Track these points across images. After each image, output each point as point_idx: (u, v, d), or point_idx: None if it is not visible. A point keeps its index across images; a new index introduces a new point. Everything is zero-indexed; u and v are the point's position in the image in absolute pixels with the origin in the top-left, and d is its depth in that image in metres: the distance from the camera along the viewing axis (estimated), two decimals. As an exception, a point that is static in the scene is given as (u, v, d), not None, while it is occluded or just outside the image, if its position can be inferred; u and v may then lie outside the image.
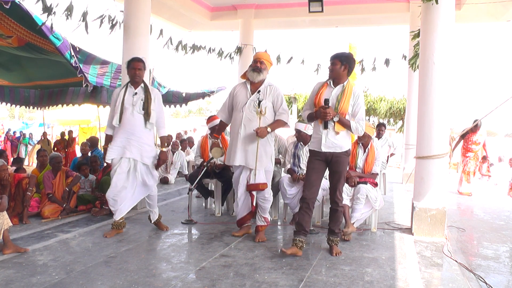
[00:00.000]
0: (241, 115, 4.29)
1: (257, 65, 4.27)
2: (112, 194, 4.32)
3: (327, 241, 4.05)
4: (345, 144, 3.87)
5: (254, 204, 4.39)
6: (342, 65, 3.80)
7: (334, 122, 3.77)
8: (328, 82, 3.90)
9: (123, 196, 4.36)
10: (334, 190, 3.94)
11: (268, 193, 4.37)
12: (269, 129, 4.18)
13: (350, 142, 3.99)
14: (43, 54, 6.74)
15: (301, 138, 5.11)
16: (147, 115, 4.32)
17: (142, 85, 4.42)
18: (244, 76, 4.44)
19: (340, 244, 4.24)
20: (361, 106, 3.83)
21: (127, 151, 4.30)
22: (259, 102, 4.22)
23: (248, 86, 4.34)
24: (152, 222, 4.66)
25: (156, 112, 4.40)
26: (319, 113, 3.76)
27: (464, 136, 8.37)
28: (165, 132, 4.55)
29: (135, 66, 4.35)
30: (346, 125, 3.81)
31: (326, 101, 3.75)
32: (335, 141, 3.81)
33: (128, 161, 4.33)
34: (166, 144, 4.49)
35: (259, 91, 4.27)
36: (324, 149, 3.83)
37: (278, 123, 4.29)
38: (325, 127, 3.80)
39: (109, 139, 4.47)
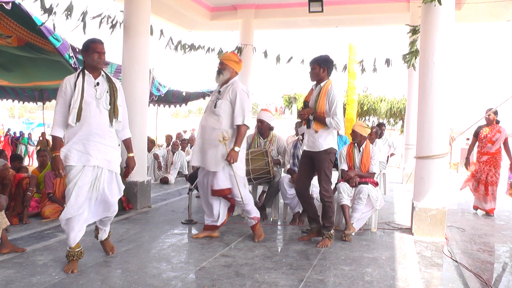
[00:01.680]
0: (204, 116, 4.42)
1: (218, 67, 4.37)
2: (71, 212, 3.36)
3: (321, 235, 4.30)
4: (324, 144, 4.12)
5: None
6: (320, 68, 4.14)
7: (312, 120, 4.12)
8: (312, 86, 4.30)
9: (82, 215, 3.46)
10: (322, 188, 4.23)
11: (239, 196, 4.21)
12: (236, 148, 4.06)
13: (331, 142, 4.16)
14: (42, 53, 6.74)
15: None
16: (113, 112, 3.44)
17: (103, 73, 3.51)
18: None
19: (340, 244, 4.25)
20: (336, 103, 4.05)
21: (91, 157, 3.33)
22: (216, 102, 4.22)
23: (217, 88, 4.41)
24: (99, 240, 3.85)
25: (122, 108, 3.54)
26: (298, 113, 4.28)
27: (477, 134, 6.34)
28: (130, 133, 3.73)
29: (98, 49, 3.40)
30: (322, 121, 4.08)
31: (305, 103, 4.19)
32: (314, 140, 4.14)
33: (93, 169, 3.36)
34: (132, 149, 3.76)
35: (219, 92, 4.29)
36: (306, 148, 4.22)
37: (239, 136, 4.10)
38: (308, 126, 4.17)
39: (59, 142, 3.43)
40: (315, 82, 4.24)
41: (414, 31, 5.89)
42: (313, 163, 4.20)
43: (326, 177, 4.18)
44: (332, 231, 4.25)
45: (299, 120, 5.45)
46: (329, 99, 4.06)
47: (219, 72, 4.31)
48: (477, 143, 6.41)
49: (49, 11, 5.01)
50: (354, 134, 4.87)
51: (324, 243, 4.16)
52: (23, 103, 11.06)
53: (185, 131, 17.53)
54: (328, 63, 4.16)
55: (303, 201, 4.39)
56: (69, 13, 5.10)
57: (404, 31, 6.83)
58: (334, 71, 10.26)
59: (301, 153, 4.39)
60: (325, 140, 4.11)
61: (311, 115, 4.11)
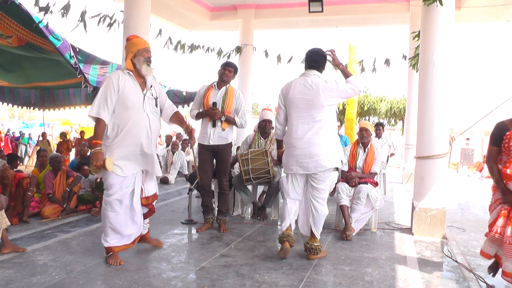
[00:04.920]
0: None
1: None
2: None
3: (216, 220, 4.71)
4: (229, 137, 4.63)
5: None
6: (235, 73, 4.61)
7: (221, 120, 4.48)
8: (213, 85, 4.57)
9: None
10: (221, 177, 4.65)
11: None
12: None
13: (232, 137, 4.71)
14: (43, 53, 6.74)
15: None
16: None
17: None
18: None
19: (340, 244, 4.26)
20: (242, 104, 4.61)
21: None
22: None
23: None
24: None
25: None
26: (209, 113, 4.44)
27: (496, 138, 3.17)
28: None
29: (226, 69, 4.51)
30: (232, 122, 4.57)
31: (214, 103, 4.44)
32: (221, 135, 4.54)
33: None
34: None
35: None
36: (211, 142, 4.51)
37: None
38: (214, 125, 4.48)
39: None
40: (215, 83, 4.56)
41: (418, 35, 5.88)
42: (214, 157, 4.61)
43: (227, 168, 4.71)
44: (225, 217, 4.69)
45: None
46: (238, 101, 4.57)
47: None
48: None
49: (45, 9, 5.01)
50: (366, 132, 4.86)
51: (224, 228, 4.62)
52: (20, 107, 11.03)
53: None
54: (237, 69, 4.72)
55: (206, 194, 4.67)
56: (65, 11, 5.10)
57: (404, 31, 6.84)
58: (334, 71, 10.35)
59: (199, 147, 4.66)
60: (229, 135, 4.64)
61: (223, 116, 4.47)
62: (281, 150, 4.01)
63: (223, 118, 4.49)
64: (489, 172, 3.30)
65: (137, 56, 3.46)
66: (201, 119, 4.60)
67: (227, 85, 4.57)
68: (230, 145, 4.66)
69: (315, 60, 3.73)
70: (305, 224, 3.86)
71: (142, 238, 3.84)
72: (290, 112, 3.72)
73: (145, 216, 3.79)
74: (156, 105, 3.63)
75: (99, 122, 3.38)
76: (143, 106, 3.47)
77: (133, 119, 3.41)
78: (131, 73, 3.48)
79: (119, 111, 3.40)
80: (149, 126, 3.48)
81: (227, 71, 4.54)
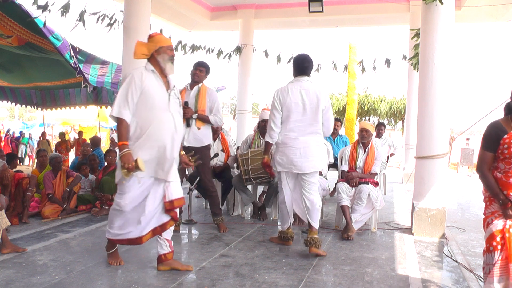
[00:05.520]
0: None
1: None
2: None
3: (213, 221, 4.71)
4: (205, 139, 4.51)
5: None
6: (206, 72, 4.56)
7: (194, 119, 4.39)
8: (186, 87, 4.55)
9: None
10: (204, 179, 4.59)
11: None
12: None
13: (210, 138, 4.62)
14: (43, 53, 6.75)
15: None
16: None
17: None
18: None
19: (340, 244, 4.26)
20: (216, 102, 4.53)
21: None
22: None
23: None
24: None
25: None
26: None
27: (490, 142, 2.63)
28: None
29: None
30: (205, 120, 4.47)
31: (186, 102, 4.37)
32: (196, 136, 4.42)
33: None
34: None
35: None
36: (186, 144, 4.31)
37: None
38: (188, 125, 4.35)
39: None
40: (188, 84, 4.55)
41: (418, 34, 5.89)
42: None
43: (208, 170, 4.64)
44: (221, 217, 4.66)
45: None
46: (211, 98, 4.50)
47: None
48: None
49: (43, 8, 5.01)
50: (366, 132, 4.87)
51: (223, 227, 4.63)
52: (21, 106, 11.06)
53: None
54: (210, 68, 4.64)
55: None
56: (64, 10, 5.10)
57: (404, 31, 6.84)
58: (334, 71, 10.38)
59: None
60: (206, 136, 4.52)
61: (195, 114, 4.40)
62: (268, 156, 4.04)
63: (194, 116, 4.41)
64: (482, 181, 2.68)
65: (161, 54, 3.27)
66: None
67: (200, 85, 4.55)
68: (207, 147, 4.58)
69: (306, 66, 3.93)
70: (304, 214, 3.98)
71: (163, 259, 3.36)
72: (289, 116, 3.84)
73: (163, 227, 3.31)
74: (180, 106, 3.45)
75: (121, 122, 3.14)
76: (168, 106, 3.24)
77: (157, 119, 3.17)
78: (155, 70, 3.28)
79: (142, 111, 3.17)
80: (174, 128, 3.25)
81: (198, 71, 4.52)
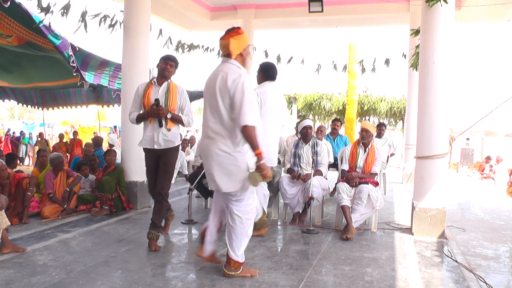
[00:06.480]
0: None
1: None
2: None
3: (147, 235, 3.97)
4: (176, 140, 4.15)
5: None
6: (176, 67, 4.14)
7: (167, 119, 4.00)
8: (152, 82, 4.11)
9: None
10: (162, 182, 4.02)
11: None
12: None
13: (179, 139, 4.26)
14: (42, 52, 6.75)
15: (308, 134, 5.16)
16: None
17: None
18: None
19: (340, 244, 4.26)
20: (187, 101, 4.20)
21: None
22: None
23: None
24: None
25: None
26: (152, 112, 3.96)
27: None
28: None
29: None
30: (178, 120, 4.11)
31: (157, 100, 3.96)
32: (167, 137, 4.04)
33: None
34: None
35: None
36: (156, 147, 4.04)
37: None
38: (160, 125, 3.99)
39: None
40: (155, 79, 4.11)
41: (417, 32, 5.89)
42: (159, 161, 4.09)
43: (171, 174, 4.16)
44: (159, 233, 3.98)
45: (299, 120, 5.47)
46: (182, 98, 4.15)
47: None
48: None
49: (46, 9, 5.02)
50: (366, 133, 4.87)
51: (156, 246, 3.92)
52: (22, 105, 11.09)
53: (188, 131, 17.40)
54: (178, 64, 4.24)
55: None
56: (65, 11, 5.10)
57: (404, 31, 6.84)
58: (334, 71, 10.39)
59: (144, 152, 4.18)
60: (176, 138, 4.16)
61: (169, 113, 4.02)
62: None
63: (169, 116, 4.01)
64: None
65: (247, 52, 3.14)
66: (142, 122, 4.11)
67: (169, 81, 4.11)
68: (176, 148, 4.18)
69: (276, 74, 4.34)
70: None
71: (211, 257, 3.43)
72: (266, 116, 4.01)
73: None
74: None
75: (255, 129, 2.94)
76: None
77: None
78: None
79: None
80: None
81: (169, 65, 4.06)
